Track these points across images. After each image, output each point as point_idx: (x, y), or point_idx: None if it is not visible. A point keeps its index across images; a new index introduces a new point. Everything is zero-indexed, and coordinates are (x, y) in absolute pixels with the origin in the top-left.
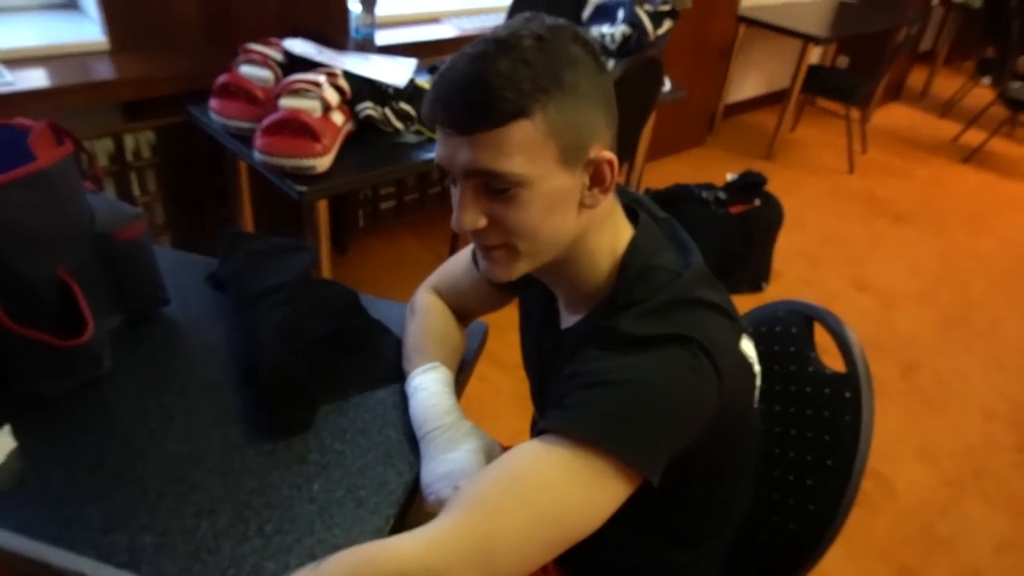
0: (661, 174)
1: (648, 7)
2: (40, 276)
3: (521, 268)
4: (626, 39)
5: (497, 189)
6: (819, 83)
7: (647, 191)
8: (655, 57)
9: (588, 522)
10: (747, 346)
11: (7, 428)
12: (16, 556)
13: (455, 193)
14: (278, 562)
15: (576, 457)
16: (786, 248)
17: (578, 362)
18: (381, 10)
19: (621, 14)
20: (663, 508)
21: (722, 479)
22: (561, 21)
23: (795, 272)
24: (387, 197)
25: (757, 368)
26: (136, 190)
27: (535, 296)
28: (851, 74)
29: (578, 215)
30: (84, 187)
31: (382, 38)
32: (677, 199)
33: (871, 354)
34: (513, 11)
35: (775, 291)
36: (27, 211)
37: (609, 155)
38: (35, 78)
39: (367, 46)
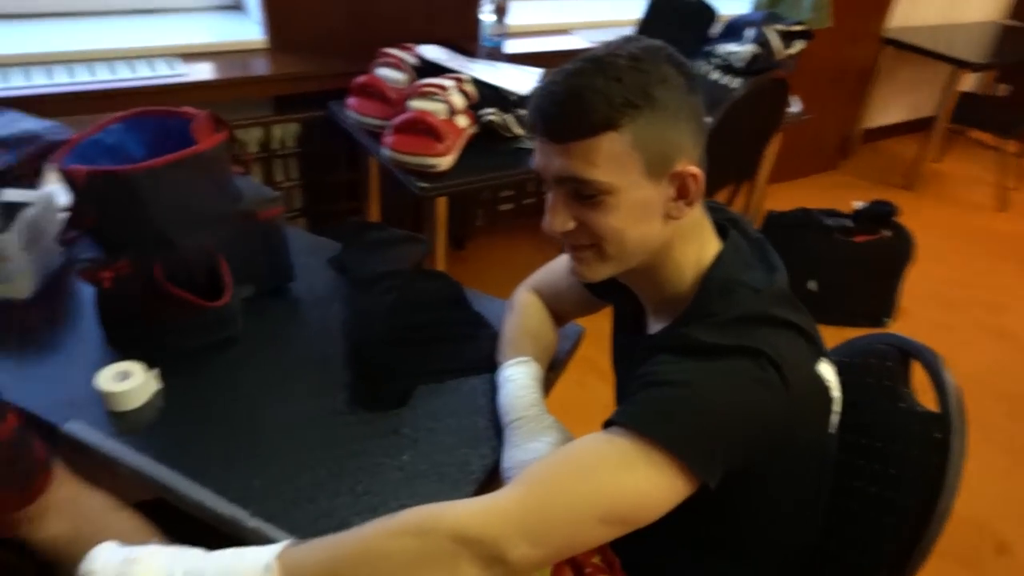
0: (786, 197)
1: (780, 26)
2: (193, 246)
3: (607, 270)
4: (754, 58)
5: (585, 195)
6: (971, 112)
7: (769, 213)
8: (782, 77)
9: (642, 511)
10: (826, 370)
11: (156, 371)
12: (150, 479)
13: (549, 198)
14: (363, 518)
15: (634, 448)
16: (917, 286)
17: (649, 364)
18: (513, 20)
19: (751, 33)
20: (722, 521)
21: (788, 499)
22: (657, 43)
23: (924, 312)
24: (506, 199)
25: (836, 394)
26: (279, 176)
27: (626, 303)
28: (1010, 104)
29: (663, 225)
30: (234, 170)
31: (512, 47)
32: (798, 223)
33: (1003, 409)
34: (644, 25)
35: (899, 329)
36: (186, 189)
37: (694, 170)
38: (203, 71)
39: (496, 55)
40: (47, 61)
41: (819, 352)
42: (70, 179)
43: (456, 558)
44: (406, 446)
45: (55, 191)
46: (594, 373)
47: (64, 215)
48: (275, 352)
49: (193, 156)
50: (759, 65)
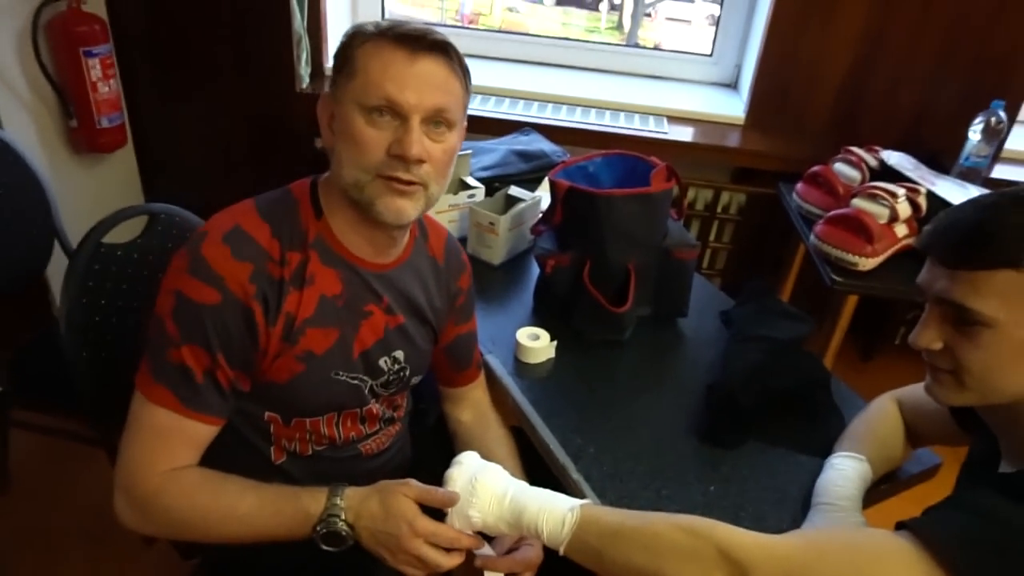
0: None
1: None
2: (618, 261)
3: (962, 399)
4: None
5: (963, 321)
6: None
7: None
8: None
9: None
10: None
11: (556, 343)
12: (523, 413)
13: (924, 313)
14: None
15: (917, 555)
16: None
17: (974, 492)
18: (1015, 145)
19: None
20: None
21: None
22: None
23: None
24: None
25: None
26: (712, 236)
27: (982, 438)
28: None
29: None
30: (671, 215)
31: (999, 172)
32: None
33: None
34: None
35: None
36: (629, 217)
37: None
38: (683, 133)
39: (971, 176)
40: (570, 102)
41: None
42: (554, 188)
43: (714, 567)
44: (717, 480)
45: (543, 197)
46: None
47: (541, 213)
48: (648, 363)
49: (643, 194)
50: None
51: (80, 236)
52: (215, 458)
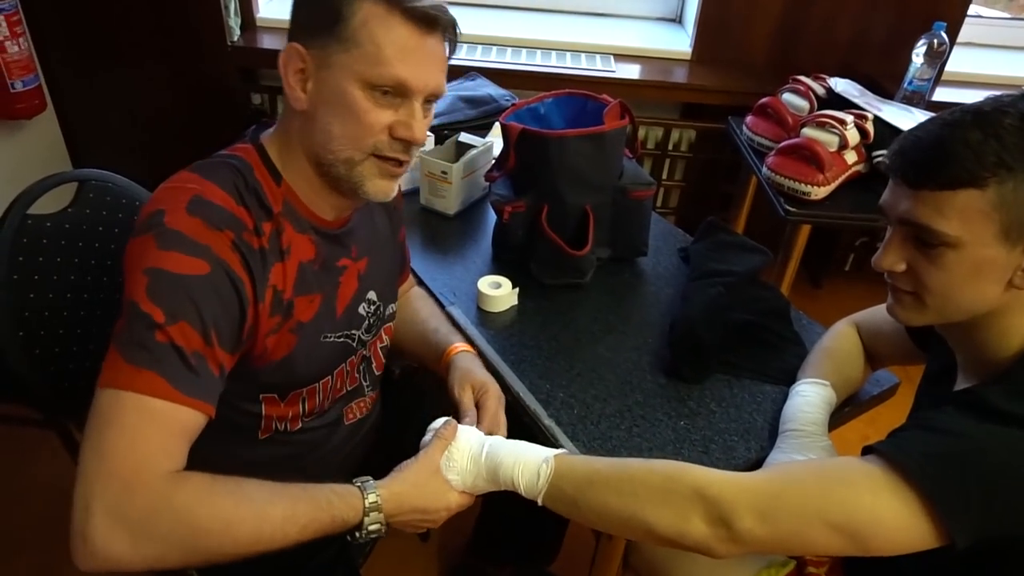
0: None
1: None
2: (574, 203)
3: (923, 318)
4: None
5: (925, 243)
6: None
7: None
8: None
9: (875, 534)
10: None
11: (517, 290)
12: (489, 360)
13: (887, 233)
14: (628, 454)
15: (884, 475)
16: None
17: (932, 411)
18: (954, 67)
19: None
20: None
21: None
22: None
23: None
24: None
25: None
26: (665, 174)
27: (941, 356)
28: None
29: (1003, 290)
30: (624, 153)
31: (941, 95)
32: None
33: None
34: None
35: None
36: (584, 158)
37: None
38: (630, 71)
39: (915, 99)
40: (514, 44)
41: None
42: (506, 132)
43: (690, 507)
44: (685, 415)
45: (494, 142)
46: None
47: (493, 160)
48: (610, 305)
49: (597, 134)
50: None
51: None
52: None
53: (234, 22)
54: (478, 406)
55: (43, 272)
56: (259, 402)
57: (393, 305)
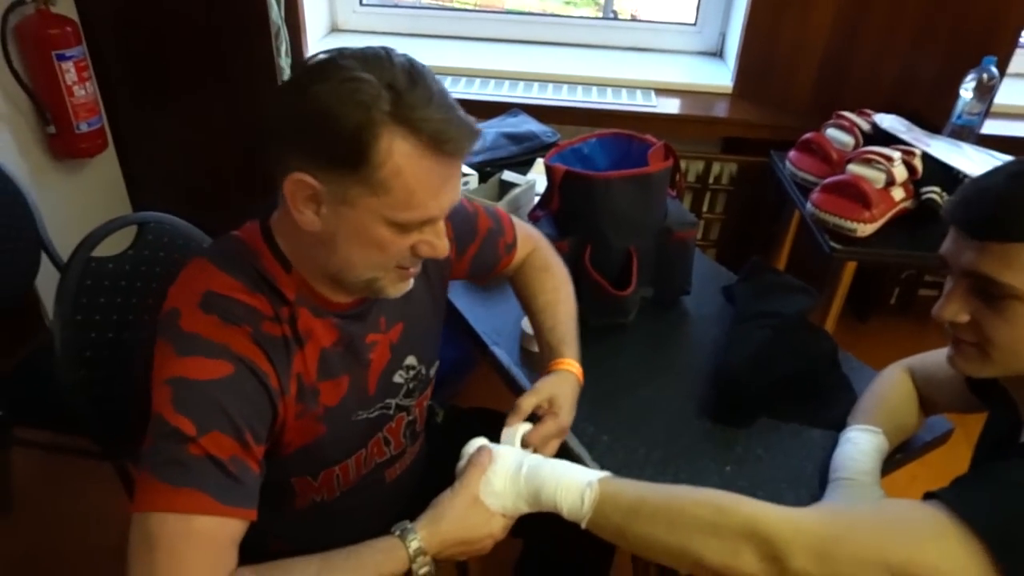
0: None
1: None
2: (619, 244)
3: (986, 370)
4: None
5: (991, 294)
6: None
7: None
8: None
9: None
10: None
11: None
12: None
13: (947, 284)
14: None
15: (950, 524)
16: None
17: (1001, 462)
18: (1004, 100)
19: None
20: None
21: None
22: None
23: None
24: (931, 284)
25: None
26: (706, 207)
27: (1004, 409)
28: None
29: None
30: (668, 192)
31: (989, 128)
32: None
33: None
34: None
35: None
36: (628, 200)
37: None
38: (671, 105)
39: (964, 134)
40: (555, 80)
41: None
42: (550, 173)
43: (740, 543)
44: (732, 460)
45: (537, 179)
46: None
47: (537, 198)
48: (654, 346)
49: (642, 175)
50: None
51: (67, 246)
52: None
53: (284, 62)
54: (539, 418)
55: (104, 313)
56: (291, 484)
57: (435, 363)
